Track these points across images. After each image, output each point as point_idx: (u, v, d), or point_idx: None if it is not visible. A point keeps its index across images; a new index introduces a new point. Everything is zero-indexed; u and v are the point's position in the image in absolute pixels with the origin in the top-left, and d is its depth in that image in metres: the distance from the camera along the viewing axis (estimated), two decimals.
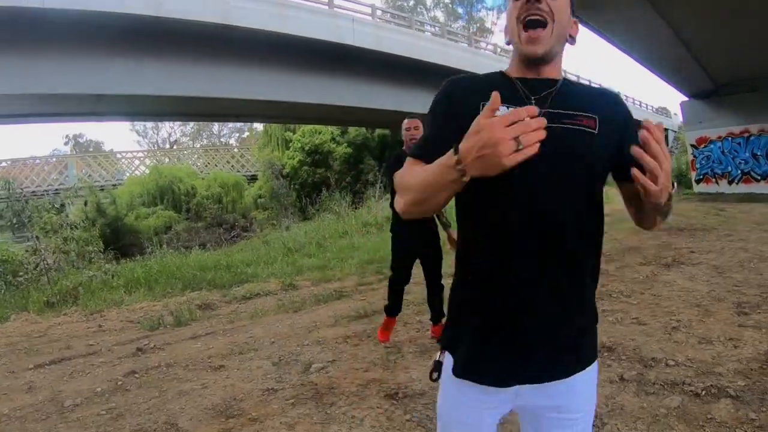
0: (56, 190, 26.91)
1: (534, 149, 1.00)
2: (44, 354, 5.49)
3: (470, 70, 16.53)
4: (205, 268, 9.20)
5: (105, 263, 9.29)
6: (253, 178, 33.93)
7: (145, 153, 38.52)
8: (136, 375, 4.69)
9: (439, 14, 46.81)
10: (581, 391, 1.39)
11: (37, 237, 8.43)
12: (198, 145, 51.19)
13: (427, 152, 1.29)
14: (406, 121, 4.89)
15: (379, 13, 18.72)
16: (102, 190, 26.51)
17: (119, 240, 22.07)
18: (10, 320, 6.68)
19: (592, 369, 1.42)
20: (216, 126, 55.67)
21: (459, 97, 1.36)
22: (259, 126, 38.47)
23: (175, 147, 51.32)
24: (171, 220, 26.07)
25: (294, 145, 28.50)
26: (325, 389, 4.02)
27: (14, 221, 8.68)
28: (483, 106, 1.05)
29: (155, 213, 26.10)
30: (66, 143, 61.32)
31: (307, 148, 27.80)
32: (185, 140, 56.48)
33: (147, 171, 30.49)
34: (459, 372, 1.39)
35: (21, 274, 8.08)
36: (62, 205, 11.06)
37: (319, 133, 27.86)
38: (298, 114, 20.54)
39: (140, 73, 13.67)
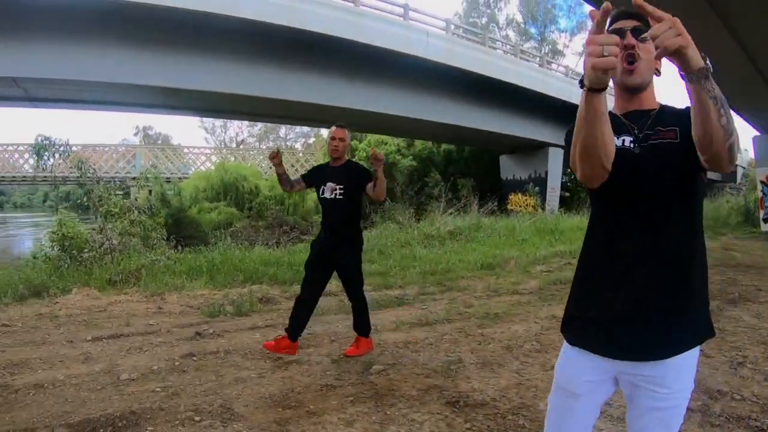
0: (123, 177, 28.21)
1: (613, 61, 1.32)
2: (103, 328, 5.58)
3: (541, 91, 16.53)
4: (267, 264, 9.20)
5: (168, 249, 9.43)
6: None
7: (212, 150, 39.73)
8: (194, 357, 4.69)
9: (511, 33, 46.45)
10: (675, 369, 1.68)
11: (104, 217, 8.67)
12: (264, 147, 52.30)
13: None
14: (334, 128, 4.80)
15: (452, 27, 18.73)
16: (168, 181, 27.37)
17: (180, 231, 22.64)
18: (71, 293, 6.85)
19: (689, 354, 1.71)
20: (283, 129, 57.02)
21: None
22: (325, 132, 38.99)
23: (241, 146, 52.79)
24: (233, 216, 26.64)
25: (359, 154, 28.68)
26: (385, 390, 3.91)
27: (85, 201, 8.94)
28: None
29: (218, 208, 26.73)
30: (135, 134, 64.30)
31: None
32: (252, 141, 58.06)
33: (212, 167, 31.31)
34: None
35: (86, 251, 8.31)
36: (127, 192, 11.39)
37: (385, 143, 27.97)
38: (367, 122, 20.70)
39: (211, 71, 14.14)
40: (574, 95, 22.60)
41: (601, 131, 1.46)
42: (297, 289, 7.73)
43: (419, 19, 16.93)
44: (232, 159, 36.72)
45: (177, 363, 4.52)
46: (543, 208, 23.80)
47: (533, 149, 24.99)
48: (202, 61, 14.05)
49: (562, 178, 26.59)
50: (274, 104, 16.84)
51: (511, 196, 25.52)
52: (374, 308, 6.74)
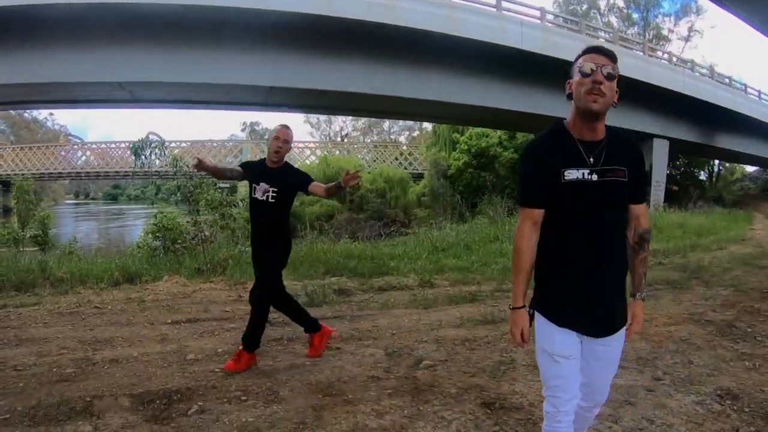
0: None
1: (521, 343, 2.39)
2: (183, 313, 6.14)
3: (643, 80, 15.84)
4: (350, 257, 9.55)
5: None
6: (419, 177, 34.77)
7: (317, 144, 41.20)
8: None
9: (613, 19, 44.37)
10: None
11: (197, 210, 9.37)
12: (368, 140, 53.52)
13: (531, 203, 2.27)
14: (278, 127, 4.51)
15: (550, 17, 18.33)
16: None
17: None
18: (162, 280, 7.55)
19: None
20: (386, 123, 58.18)
21: (539, 159, 2.25)
22: (428, 125, 39.33)
23: (345, 140, 54.36)
24: (334, 209, 27.53)
25: (461, 146, 28.71)
26: (426, 386, 4.05)
27: (178, 195, 9.68)
28: (559, 170, 2.18)
29: (320, 201, 27.65)
30: (243, 130, 68.27)
31: (473, 150, 27.89)
32: (356, 135, 59.66)
33: (316, 161, 32.47)
34: None
35: (179, 242, 9.05)
36: (234, 187, 12.14)
37: (487, 136, 27.81)
38: (465, 116, 20.75)
39: (310, 69, 14.75)
40: (679, 83, 21.62)
41: None
42: (375, 282, 8.14)
43: (513, 9, 16.76)
44: (337, 153, 37.92)
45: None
46: (648, 203, 22.90)
47: (636, 141, 23.91)
48: (303, 60, 14.69)
49: (669, 171, 25.32)
50: (371, 100, 17.25)
51: None
52: (444, 304, 6.93)
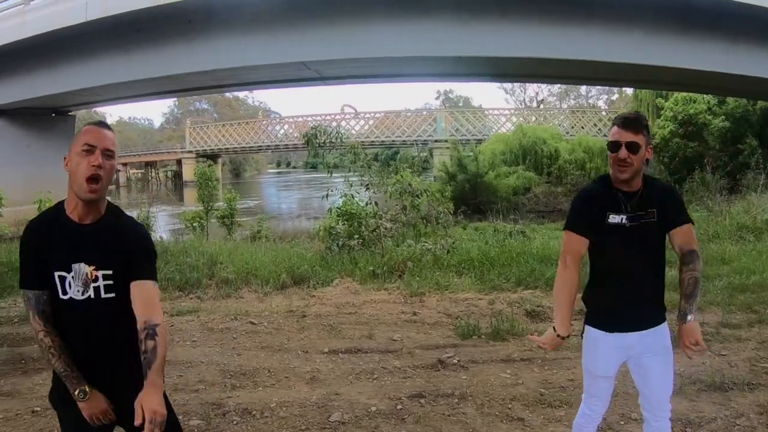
0: (425, 140, 30.21)
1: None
2: (345, 338, 5.39)
3: None
4: (547, 261, 8.02)
5: (441, 238, 8.93)
6: None
7: (512, 111, 39.88)
8: (422, 401, 4.12)
9: None
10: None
11: (375, 203, 8.72)
12: (565, 106, 51.60)
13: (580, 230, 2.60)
14: (88, 128, 2.12)
15: None
16: (466, 143, 27.96)
17: (477, 196, 23.07)
18: (332, 284, 6.94)
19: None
20: (583, 87, 56.14)
21: (588, 207, 2.60)
22: (629, 91, 36.10)
23: (541, 106, 52.91)
24: (531, 181, 26.45)
25: (665, 113, 25.56)
26: None
27: (366, 185, 9.07)
28: (605, 213, 2.53)
29: (516, 173, 26.51)
30: (437, 98, 69.37)
31: (679, 117, 24.67)
32: (552, 100, 57.94)
33: (512, 128, 31.25)
34: None
35: (356, 237, 8.39)
36: (429, 156, 11.48)
37: (694, 101, 24.40)
38: (668, 79, 18.26)
39: (499, 35, 13.83)
40: None
41: None
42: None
43: None
44: (533, 119, 36.24)
45: (399, 407, 4.01)
46: None
47: None
48: (497, 27, 13.77)
49: None
50: (565, 65, 15.75)
51: None
52: None
